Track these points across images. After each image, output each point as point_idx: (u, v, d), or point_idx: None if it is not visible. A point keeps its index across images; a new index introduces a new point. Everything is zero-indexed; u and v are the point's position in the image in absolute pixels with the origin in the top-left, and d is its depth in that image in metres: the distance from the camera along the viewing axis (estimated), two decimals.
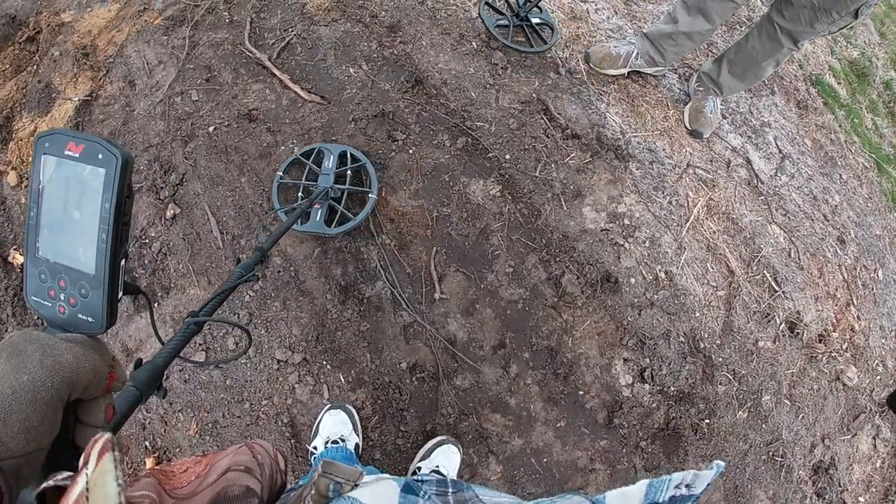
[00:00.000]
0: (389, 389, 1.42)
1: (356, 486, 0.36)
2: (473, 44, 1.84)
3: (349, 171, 1.51)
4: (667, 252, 1.65)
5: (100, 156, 0.33)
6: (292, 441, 1.42)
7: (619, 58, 1.82)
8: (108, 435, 0.24)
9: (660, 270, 1.62)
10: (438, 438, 1.39)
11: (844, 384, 1.83)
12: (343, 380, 1.42)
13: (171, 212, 1.57)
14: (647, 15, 2.10)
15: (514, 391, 1.45)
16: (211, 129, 1.64)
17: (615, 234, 1.61)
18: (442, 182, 1.58)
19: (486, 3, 1.85)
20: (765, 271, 1.79)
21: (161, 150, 1.65)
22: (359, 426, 1.39)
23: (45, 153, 0.34)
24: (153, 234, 1.58)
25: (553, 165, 1.65)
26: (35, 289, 0.35)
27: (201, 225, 1.55)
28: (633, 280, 1.58)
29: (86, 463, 0.23)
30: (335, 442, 1.34)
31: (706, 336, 1.65)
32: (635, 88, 1.88)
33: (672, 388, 1.57)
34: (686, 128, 1.87)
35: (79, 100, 1.78)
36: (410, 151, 1.60)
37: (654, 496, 0.37)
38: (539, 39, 1.85)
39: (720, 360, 1.64)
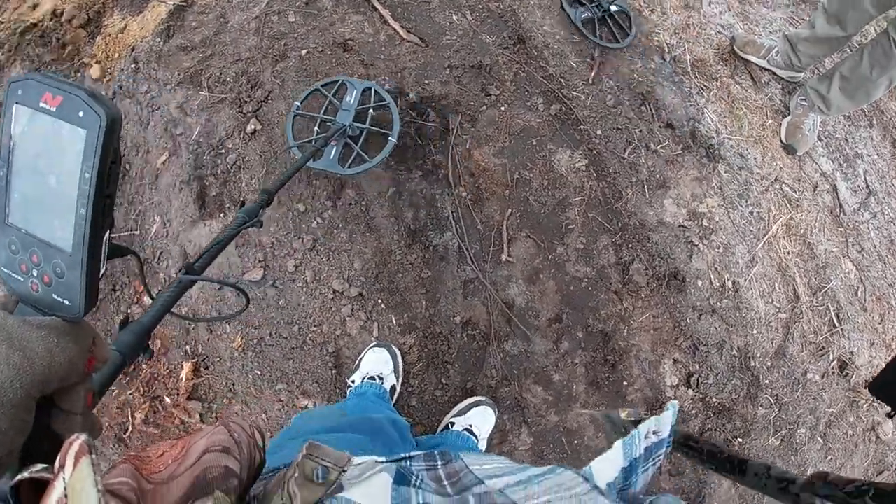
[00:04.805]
0: (438, 340, 1.42)
1: (343, 471, 0.35)
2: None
3: (371, 110, 1.39)
4: (738, 262, 1.60)
5: (80, 113, 0.27)
6: (333, 372, 1.43)
7: (762, 48, 1.84)
8: (83, 437, 0.23)
9: (728, 279, 1.58)
10: (476, 398, 1.39)
11: (878, 437, 1.78)
12: (395, 321, 1.42)
13: (252, 127, 1.56)
14: (760, 18, 2.00)
15: (560, 367, 1.44)
16: (304, 52, 1.62)
17: (692, 232, 1.56)
18: (528, 145, 1.54)
19: None
20: (829, 304, 1.73)
21: (250, 65, 1.64)
22: (400, 369, 1.39)
23: (17, 102, 0.29)
24: (230, 146, 1.58)
25: (643, 150, 1.59)
26: (5, 259, 0.31)
27: (280, 145, 1.54)
28: (699, 283, 1.54)
29: (62, 466, 0.22)
30: (372, 378, 1.34)
31: (758, 355, 1.60)
32: (737, 90, 1.80)
33: (714, 400, 1.54)
34: (781, 141, 1.80)
35: (174, 4, 1.77)
36: (502, 108, 1.56)
37: (632, 453, 0.38)
38: (621, 29, 1.76)
39: (767, 382, 1.60)
